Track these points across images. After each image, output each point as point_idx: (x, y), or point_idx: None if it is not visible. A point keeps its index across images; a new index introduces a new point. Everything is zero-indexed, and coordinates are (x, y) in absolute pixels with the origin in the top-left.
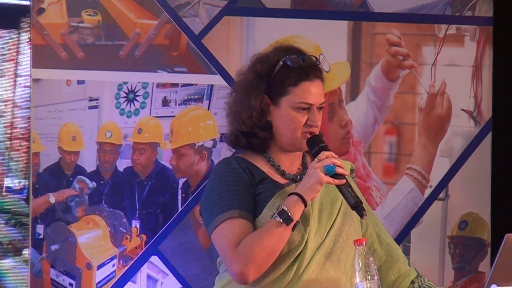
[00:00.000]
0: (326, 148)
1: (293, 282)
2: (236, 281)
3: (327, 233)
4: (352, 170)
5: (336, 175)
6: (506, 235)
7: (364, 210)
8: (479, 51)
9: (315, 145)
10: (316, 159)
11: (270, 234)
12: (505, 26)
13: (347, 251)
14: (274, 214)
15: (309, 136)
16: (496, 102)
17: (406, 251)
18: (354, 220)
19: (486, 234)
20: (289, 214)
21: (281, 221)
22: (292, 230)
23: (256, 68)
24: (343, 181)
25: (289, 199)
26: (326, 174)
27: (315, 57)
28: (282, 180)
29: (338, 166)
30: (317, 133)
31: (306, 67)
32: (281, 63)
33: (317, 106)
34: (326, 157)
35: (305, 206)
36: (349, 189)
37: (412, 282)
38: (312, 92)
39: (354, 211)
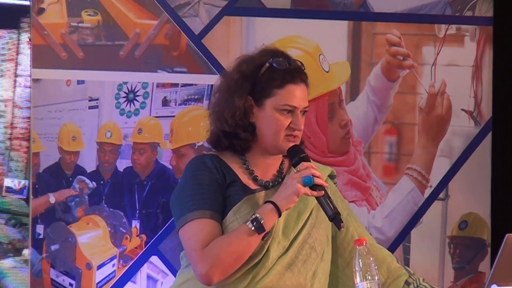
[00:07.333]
0: (306, 159)
1: None
2: (200, 281)
3: (291, 244)
4: (333, 176)
5: (315, 186)
6: (506, 235)
7: (342, 222)
8: (479, 51)
9: (295, 155)
10: (295, 169)
11: (240, 239)
12: (505, 26)
13: (309, 263)
14: (247, 220)
15: (291, 139)
16: (496, 102)
17: (406, 251)
18: (321, 233)
19: (486, 234)
20: (262, 222)
21: (253, 228)
22: (262, 239)
23: (241, 68)
24: (322, 192)
25: (264, 208)
26: (304, 185)
27: (300, 62)
28: (252, 185)
29: (317, 177)
30: (300, 137)
31: (292, 70)
32: (267, 64)
33: (300, 110)
34: (306, 168)
35: (279, 216)
36: (327, 200)
37: (407, 283)
38: (297, 95)
39: (329, 224)
